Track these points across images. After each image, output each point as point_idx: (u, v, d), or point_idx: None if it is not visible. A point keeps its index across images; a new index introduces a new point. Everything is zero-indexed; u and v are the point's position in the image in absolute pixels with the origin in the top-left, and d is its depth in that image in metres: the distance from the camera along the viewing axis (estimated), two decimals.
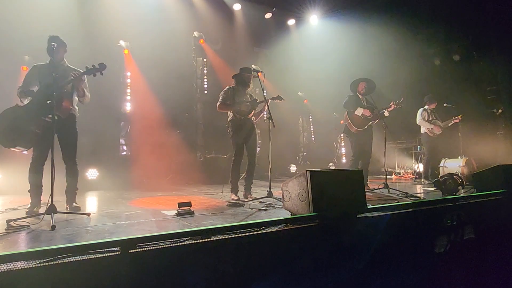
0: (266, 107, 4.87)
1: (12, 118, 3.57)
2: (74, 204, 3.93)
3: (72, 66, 3.98)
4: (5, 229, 2.81)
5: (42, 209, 3.33)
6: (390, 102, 5.95)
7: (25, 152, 3.94)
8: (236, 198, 4.74)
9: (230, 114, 4.97)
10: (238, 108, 4.85)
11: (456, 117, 7.53)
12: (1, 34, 6.39)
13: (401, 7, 8.84)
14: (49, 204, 3.05)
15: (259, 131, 10.44)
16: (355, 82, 6.13)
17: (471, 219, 3.56)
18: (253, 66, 4.88)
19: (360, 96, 6.08)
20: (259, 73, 4.71)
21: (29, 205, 3.66)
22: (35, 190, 3.73)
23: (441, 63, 10.19)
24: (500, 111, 8.67)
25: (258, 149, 10.35)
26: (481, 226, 3.63)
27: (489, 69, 9.01)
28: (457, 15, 8.80)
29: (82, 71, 3.78)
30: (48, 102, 3.34)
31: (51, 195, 3.09)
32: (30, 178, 3.74)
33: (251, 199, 4.69)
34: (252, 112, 4.96)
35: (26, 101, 3.75)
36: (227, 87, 5.06)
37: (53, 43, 3.64)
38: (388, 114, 5.93)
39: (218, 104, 4.96)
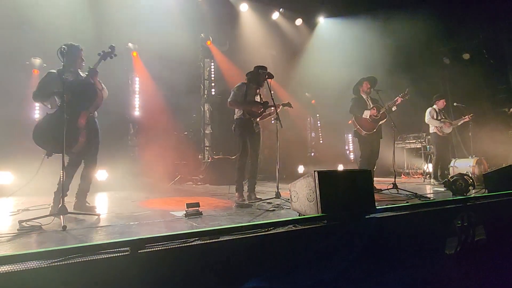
0: (273, 110, 4.81)
1: (54, 125, 3.43)
2: (87, 204, 3.86)
3: (84, 74, 3.94)
4: (17, 230, 2.85)
5: None
6: (395, 97, 5.83)
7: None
8: (242, 198, 4.63)
9: (239, 113, 4.78)
10: (249, 109, 4.70)
11: (466, 116, 7.41)
12: (11, 37, 6.50)
13: (409, 6, 8.76)
14: (60, 205, 3.08)
15: (267, 132, 10.45)
16: (358, 83, 6.07)
17: (482, 220, 3.51)
18: None
19: (365, 96, 6.00)
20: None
21: (52, 205, 3.60)
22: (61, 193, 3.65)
23: (451, 62, 10.08)
24: (511, 110, 8.54)
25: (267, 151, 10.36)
26: (492, 227, 3.57)
27: (500, 67, 8.87)
28: (467, 13, 8.70)
29: (97, 61, 3.77)
30: (58, 104, 3.36)
31: (62, 196, 3.14)
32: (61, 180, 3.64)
33: (255, 200, 4.57)
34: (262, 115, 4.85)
35: (48, 105, 3.72)
36: (240, 82, 4.86)
37: (63, 46, 3.55)
38: (396, 108, 5.85)
39: (229, 100, 4.75)
